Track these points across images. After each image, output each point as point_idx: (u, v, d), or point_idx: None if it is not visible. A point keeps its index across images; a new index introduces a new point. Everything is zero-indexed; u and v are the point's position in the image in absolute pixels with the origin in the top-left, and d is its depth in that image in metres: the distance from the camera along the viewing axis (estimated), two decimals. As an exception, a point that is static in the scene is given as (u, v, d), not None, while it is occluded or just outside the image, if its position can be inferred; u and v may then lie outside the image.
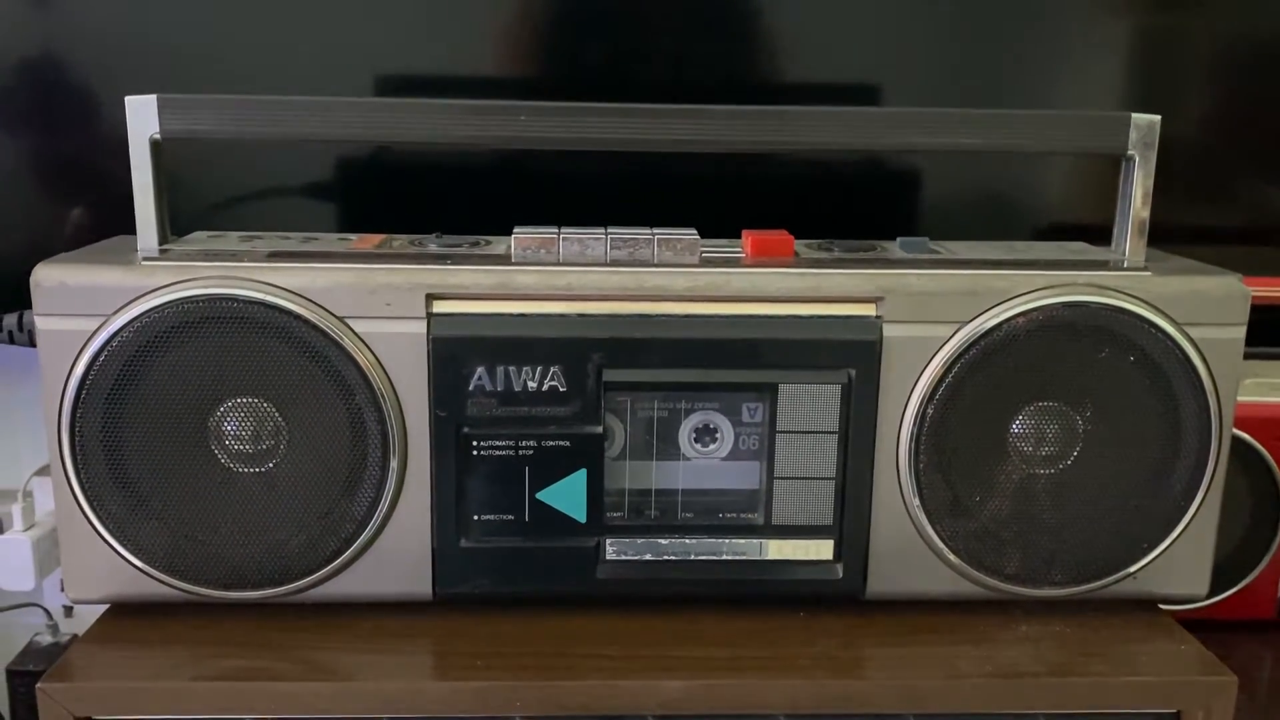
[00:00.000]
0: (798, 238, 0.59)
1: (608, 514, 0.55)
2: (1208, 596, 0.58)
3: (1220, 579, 0.60)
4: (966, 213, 0.78)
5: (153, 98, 0.53)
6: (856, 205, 0.76)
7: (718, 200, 0.71)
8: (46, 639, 0.78)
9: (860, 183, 0.77)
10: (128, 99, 0.53)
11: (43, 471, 0.77)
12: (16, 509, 0.74)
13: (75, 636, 0.78)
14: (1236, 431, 0.64)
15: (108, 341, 0.51)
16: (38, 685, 0.50)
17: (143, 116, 0.53)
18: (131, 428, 0.52)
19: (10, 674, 0.75)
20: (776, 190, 0.75)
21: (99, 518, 0.53)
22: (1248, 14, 0.76)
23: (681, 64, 0.75)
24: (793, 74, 0.75)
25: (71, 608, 0.82)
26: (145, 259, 0.53)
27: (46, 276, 0.52)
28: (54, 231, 0.75)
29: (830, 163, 0.76)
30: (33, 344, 0.55)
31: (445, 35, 0.73)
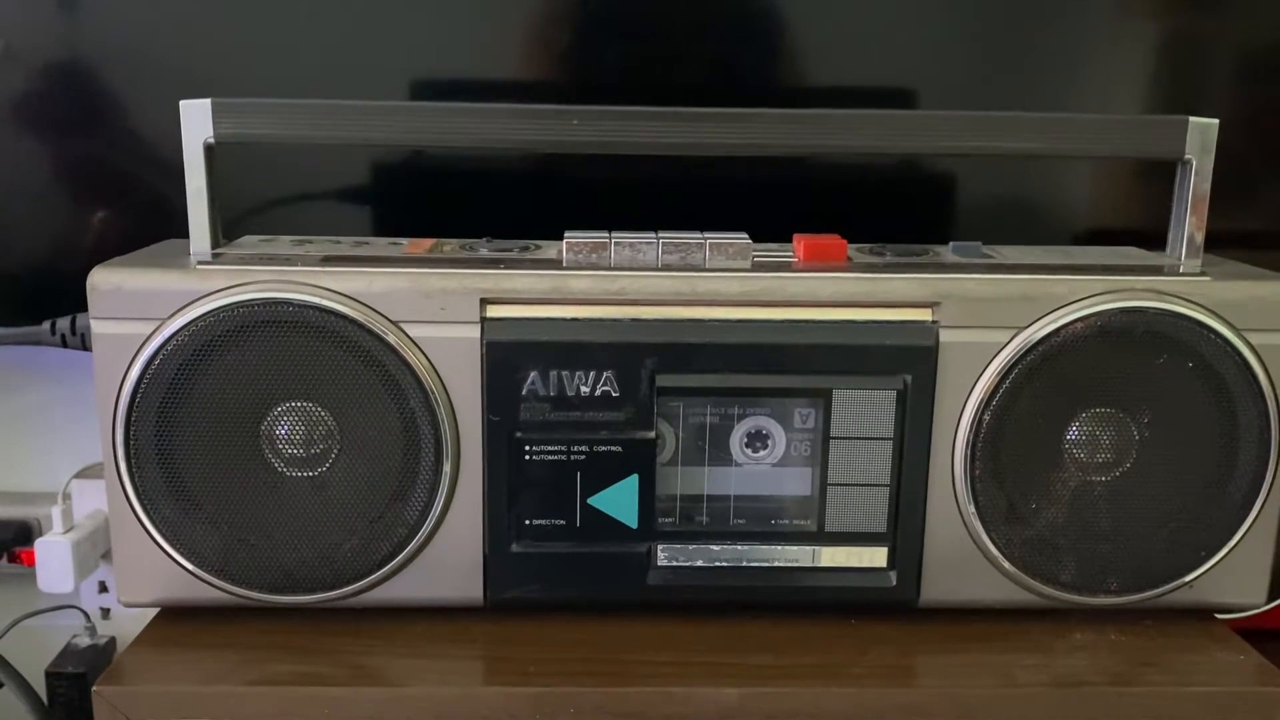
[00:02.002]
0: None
1: (659, 520, 0.55)
2: (1264, 603, 0.58)
3: (1276, 586, 0.60)
4: (1007, 217, 0.77)
5: (207, 102, 0.53)
6: (898, 208, 0.76)
7: (757, 203, 0.70)
8: (84, 641, 0.78)
9: (901, 186, 0.77)
10: (182, 103, 0.53)
11: (82, 474, 0.77)
12: (56, 511, 0.74)
13: (112, 639, 0.78)
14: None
15: (163, 345, 0.51)
16: (93, 688, 0.50)
17: (197, 121, 0.53)
18: (185, 431, 0.52)
19: (49, 676, 0.75)
20: (819, 193, 0.74)
21: (152, 521, 0.53)
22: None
23: (717, 70, 0.74)
24: (824, 78, 0.74)
25: (109, 610, 0.82)
26: (200, 263, 0.53)
27: (103, 280, 0.52)
28: (86, 236, 0.75)
29: (872, 166, 0.75)
30: (85, 347, 0.55)
31: (477, 41, 0.73)
